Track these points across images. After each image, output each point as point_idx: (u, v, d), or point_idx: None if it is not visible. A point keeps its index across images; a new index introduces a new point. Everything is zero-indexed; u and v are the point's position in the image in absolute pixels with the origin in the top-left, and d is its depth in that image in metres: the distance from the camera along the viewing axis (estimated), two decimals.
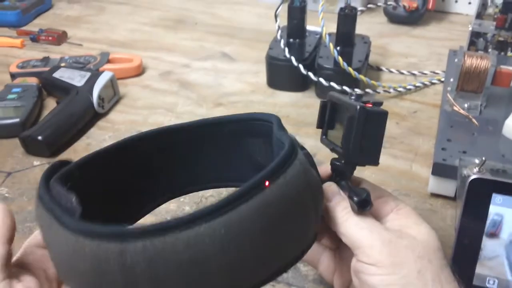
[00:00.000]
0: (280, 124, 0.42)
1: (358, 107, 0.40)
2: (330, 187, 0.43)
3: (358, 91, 0.82)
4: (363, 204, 0.40)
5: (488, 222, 0.48)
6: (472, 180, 0.48)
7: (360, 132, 0.41)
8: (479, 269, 0.48)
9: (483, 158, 0.55)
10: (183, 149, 0.47)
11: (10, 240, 0.39)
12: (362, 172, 0.68)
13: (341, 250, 0.46)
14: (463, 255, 0.49)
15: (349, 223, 0.40)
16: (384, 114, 0.41)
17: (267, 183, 0.33)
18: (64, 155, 0.74)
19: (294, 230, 0.36)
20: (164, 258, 0.29)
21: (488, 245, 0.48)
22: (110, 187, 0.43)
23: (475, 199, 0.48)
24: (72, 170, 0.39)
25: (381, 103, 0.42)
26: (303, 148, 0.40)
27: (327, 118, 0.47)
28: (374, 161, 0.42)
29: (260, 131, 0.44)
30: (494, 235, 0.48)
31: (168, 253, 0.29)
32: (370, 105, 0.41)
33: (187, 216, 0.30)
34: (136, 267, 0.29)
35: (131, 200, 0.45)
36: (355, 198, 0.40)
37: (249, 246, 0.32)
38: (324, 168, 0.46)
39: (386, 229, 0.40)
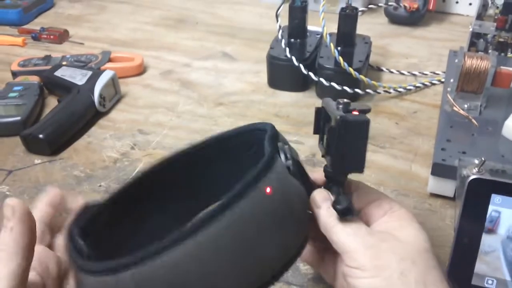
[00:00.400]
0: (272, 134, 0.42)
1: (338, 117, 0.41)
2: (320, 194, 0.44)
3: (358, 91, 0.83)
4: (344, 212, 0.41)
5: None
6: (472, 180, 0.48)
7: (341, 141, 0.42)
8: (477, 267, 0.48)
9: (483, 159, 0.55)
10: (198, 168, 0.47)
11: (29, 255, 0.36)
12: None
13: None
14: (462, 254, 0.49)
15: (336, 229, 0.41)
16: (365, 123, 0.41)
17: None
18: (65, 154, 0.74)
19: (271, 242, 0.37)
20: (150, 281, 0.33)
21: (485, 240, 0.48)
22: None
23: (474, 199, 0.48)
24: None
25: (368, 110, 0.43)
26: (291, 158, 0.41)
27: (322, 124, 0.48)
28: (359, 169, 0.43)
29: (255, 141, 0.44)
30: (491, 230, 0.48)
31: (153, 277, 0.33)
32: (356, 113, 0.42)
33: (165, 241, 0.33)
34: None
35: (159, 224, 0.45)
36: (338, 207, 0.41)
37: (225, 262, 0.35)
38: (319, 174, 0.47)
39: (370, 233, 0.41)
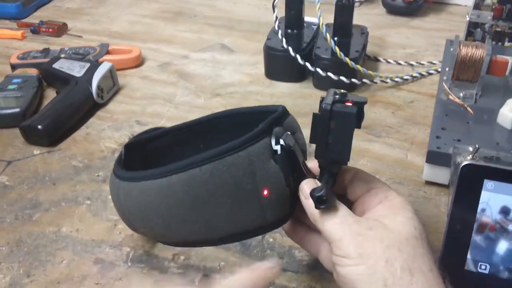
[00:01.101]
0: (274, 117, 0.45)
1: (323, 105, 0.42)
2: (307, 184, 0.44)
3: (355, 81, 0.83)
4: (318, 202, 0.42)
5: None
6: (464, 165, 0.48)
7: (325, 130, 0.42)
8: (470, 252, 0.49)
9: (476, 146, 0.55)
10: (211, 136, 0.54)
11: None
12: (358, 161, 0.69)
13: None
14: (454, 240, 0.49)
15: (322, 218, 0.42)
16: (351, 115, 0.42)
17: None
18: (64, 145, 0.75)
19: (221, 208, 0.43)
20: (190, 183, 0.42)
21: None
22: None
23: (467, 185, 0.48)
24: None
25: (363, 102, 0.43)
26: (285, 144, 0.43)
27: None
28: (343, 159, 0.44)
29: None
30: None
31: (192, 179, 0.42)
32: (350, 104, 0.42)
33: (161, 169, 0.43)
34: (127, 196, 0.45)
35: None
36: (314, 195, 0.42)
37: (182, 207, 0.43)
38: (315, 163, 0.47)
39: (357, 222, 0.41)
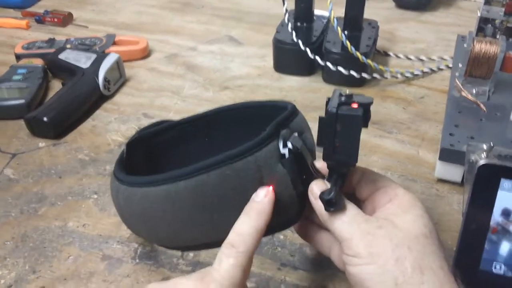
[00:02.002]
0: (282, 118, 0.44)
1: (329, 109, 0.41)
2: (316, 185, 0.44)
3: (365, 75, 0.82)
4: (327, 205, 0.41)
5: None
6: (481, 165, 0.47)
7: (332, 133, 0.41)
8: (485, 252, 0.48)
9: (491, 144, 0.55)
10: (219, 128, 0.54)
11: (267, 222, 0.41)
12: (369, 158, 0.68)
13: None
14: (470, 240, 0.48)
15: (332, 218, 0.42)
16: (357, 117, 0.41)
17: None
18: (70, 137, 0.74)
19: (230, 212, 0.42)
20: (196, 189, 0.41)
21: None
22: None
23: (484, 185, 0.48)
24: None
25: (369, 104, 0.42)
26: (292, 147, 0.43)
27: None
28: (351, 162, 0.43)
29: (273, 117, 0.45)
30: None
31: (200, 186, 0.41)
32: (356, 106, 0.41)
33: (165, 175, 0.42)
34: (127, 200, 0.44)
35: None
36: (324, 198, 0.41)
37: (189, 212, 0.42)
38: (324, 164, 0.46)
39: (367, 221, 0.41)
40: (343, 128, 0.41)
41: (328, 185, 0.44)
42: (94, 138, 0.73)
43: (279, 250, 0.55)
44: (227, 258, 0.39)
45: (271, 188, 0.42)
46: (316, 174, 0.45)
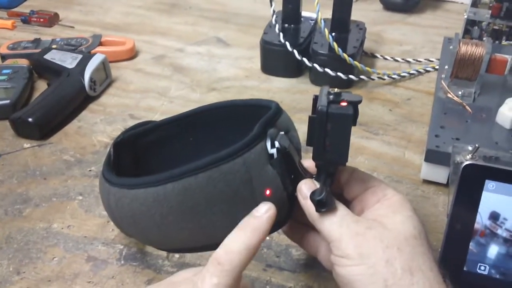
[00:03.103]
0: (268, 118, 0.44)
1: (319, 107, 0.41)
2: (305, 185, 0.43)
3: (352, 77, 0.82)
4: (318, 205, 0.41)
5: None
6: (466, 165, 0.47)
7: (322, 133, 0.41)
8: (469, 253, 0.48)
9: (476, 145, 0.55)
10: (204, 127, 0.53)
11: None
12: (355, 159, 0.68)
13: None
14: (454, 240, 0.49)
15: (321, 218, 0.41)
16: (348, 116, 0.41)
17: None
18: (55, 138, 0.73)
19: (219, 215, 0.42)
20: (186, 191, 0.40)
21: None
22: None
23: (468, 185, 0.48)
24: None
25: (358, 102, 0.42)
26: (280, 147, 0.42)
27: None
28: (342, 161, 0.43)
29: (259, 117, 0.45)
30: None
31: (189, 188, 0.40)
32: (345, 104, 0.41)
33: (154, 177, 0.41)
34: (119, 202, 0.43)
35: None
36: (315, 199, 0.41)
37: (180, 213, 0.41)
38: (312, 163, 0.46)
39: (356, 221, 0.41)
40: (334, 127, 0.41)
41: (317, 185, 0.43)
42: (80, 139, 0.73)
43: (264, 251, 0.55)
44: (211, 277, 0.38)
45: (273, 206, 0.42)
46: (304, 174, 0.45)
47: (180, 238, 0.44)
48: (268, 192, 0.42)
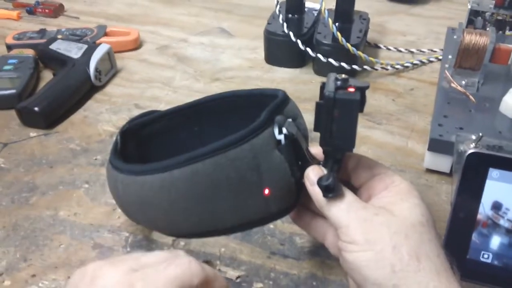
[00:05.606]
0: (275, 105, 0.44)
1: (327, 93, 0.41)
2: (313, 171, 0.43)
3: (356, 67, 0.82)
4: (326, 191, 0.41)
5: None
6: (470, 154, 0.48)
7: (329, 118, 0.41)
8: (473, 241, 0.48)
9: (480, 134, 0.55)
10: (209, 117, 0.54)
11: None
12: (359, 148, 0.69)
13: None
14: (458, 229, 0.49)
15: (329, 204, 0.41)
16: (355, 101, 0.41)
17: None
18: (61, 127, 0.74)
19: (226, 200, 0.42)
20: (193, 177, 0.41)
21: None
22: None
23: (472, 173, 0.48)
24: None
25: (365, 87, 0.42)
26: (288, 133, 0.42)
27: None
28: (349, 147, 0.43)
29: (265, 105, 0.45)
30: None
31: (197, 173, 0.41)
32: (352, 90, 0.41)
33: (161, 163, 0.41)
34: (126, 189, 0.44)
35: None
36: (322, 184, 0.41)
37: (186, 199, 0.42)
38: (319, 149, 0.47)
39: (364, 208, 0.41)
40: (341, 112, 0.41)
41: (324, 171, 0.43)
42: (85, 128, 0.73)
43: (269, 239, 0.56)
44: None
45: None
46: (311, 160, 0.45)
47: (187, 224, 0.44)
48: (269, 186, 0.42)
